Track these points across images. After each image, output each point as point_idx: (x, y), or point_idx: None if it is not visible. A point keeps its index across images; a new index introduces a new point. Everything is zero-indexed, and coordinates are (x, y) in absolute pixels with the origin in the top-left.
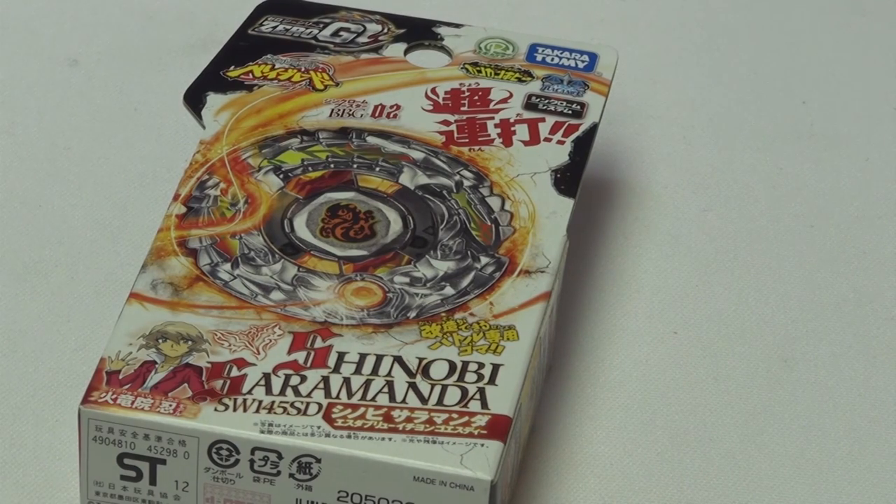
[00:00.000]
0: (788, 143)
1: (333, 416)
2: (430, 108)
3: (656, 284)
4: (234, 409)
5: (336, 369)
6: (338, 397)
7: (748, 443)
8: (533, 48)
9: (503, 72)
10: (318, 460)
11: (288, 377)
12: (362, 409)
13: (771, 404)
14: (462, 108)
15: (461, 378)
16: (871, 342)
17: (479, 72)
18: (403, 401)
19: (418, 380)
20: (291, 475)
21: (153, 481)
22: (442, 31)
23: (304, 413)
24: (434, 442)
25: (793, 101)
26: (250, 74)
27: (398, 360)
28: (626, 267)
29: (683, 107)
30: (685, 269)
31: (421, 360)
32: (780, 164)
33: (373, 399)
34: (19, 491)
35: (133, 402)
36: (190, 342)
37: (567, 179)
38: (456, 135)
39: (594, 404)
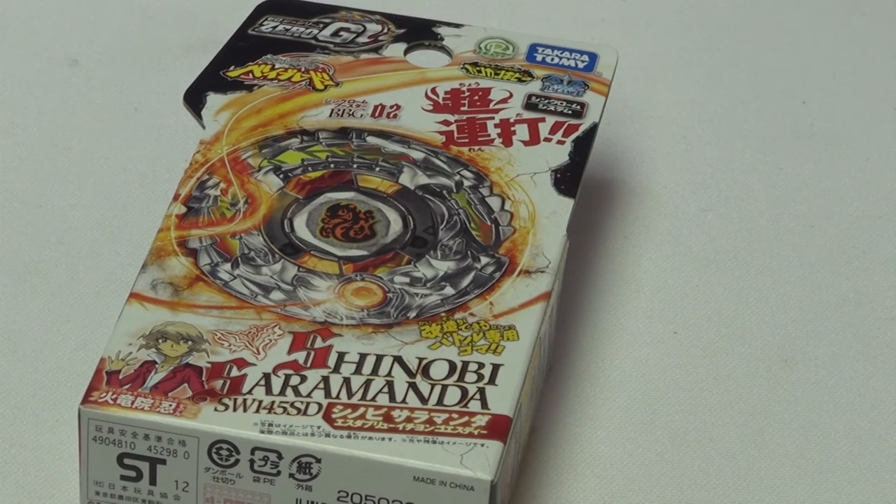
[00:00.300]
0: (788, 143)
1: (333, 416)
2: (430, 108)
3: (656, 284)
4: (234, 409)
5: (336, 369)
6: (338, 397)
7: (748, 443)
8: (533, 48)
9: (503, 72)
10: (318, 460)
11: (288, 377)
12: (362, 409)
13: (771, 404)
14: (462, 108)
15: (461, 378)
16: (871, 342)
17: (479, 72)
18: (403, 401)
19: (418, 380)
20: (291, 475)
21: (153, 481)
22: (442, 31)
23: (304, 413)
24: (434, 442)
25: (793, 101)
26: (250, 74)
27: (398, 360)
28: (626, 267)
29: (683, 107)
30: (685, 269)
31: (421, 360)
32: (780, 164)
33: (373, 399)
34: (19, 491)
35: (133, 402)
36: (190, 342)
37: (567, 179)
38: (456, 135)
39: (594, 404)
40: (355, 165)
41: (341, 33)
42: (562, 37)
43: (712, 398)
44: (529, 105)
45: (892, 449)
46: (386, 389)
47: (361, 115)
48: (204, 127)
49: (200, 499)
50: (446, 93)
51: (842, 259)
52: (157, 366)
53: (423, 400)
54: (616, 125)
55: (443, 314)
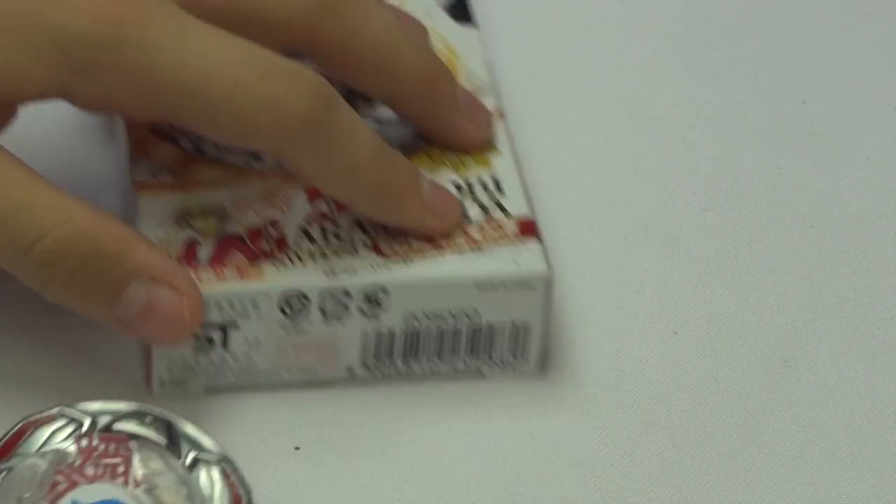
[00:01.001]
0: (788, 143)
1: (382, 249)
2: None
3: (656, 284)
4: (293, 263)
5: None
6: (377, 234)
7: (748, 443)
8: None
9: None
10: (385, 290)
11: (323, 226)
12: (403, 238)
13: (771, 404)
14: None
15: (473, 194)
16: (871, 342)
17: None
18: None
19: None
20: (361, 310)
21: (225, 345)
22: None
23: (357, 253)
24: (482, 252)
25: (793, 101)
26: None
27: None
28: (626, 267)
29: (683, 107)
30: (685, 269)
31: None
32: (780, 164)
33: None
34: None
35: (197, 276)
36: (217, 215)
37: (458, 7)
38: None
39: (594, 404)
40: None
41: None
42: (561, 35)
43: (712, 398)
44: None
45: (892, 449)
46: None
47: None
48: None
49: (272, 351)
50: None
51: (842, 259)
52: (199, 242)
53: None
54: (616, 125)
55: (422, 144)
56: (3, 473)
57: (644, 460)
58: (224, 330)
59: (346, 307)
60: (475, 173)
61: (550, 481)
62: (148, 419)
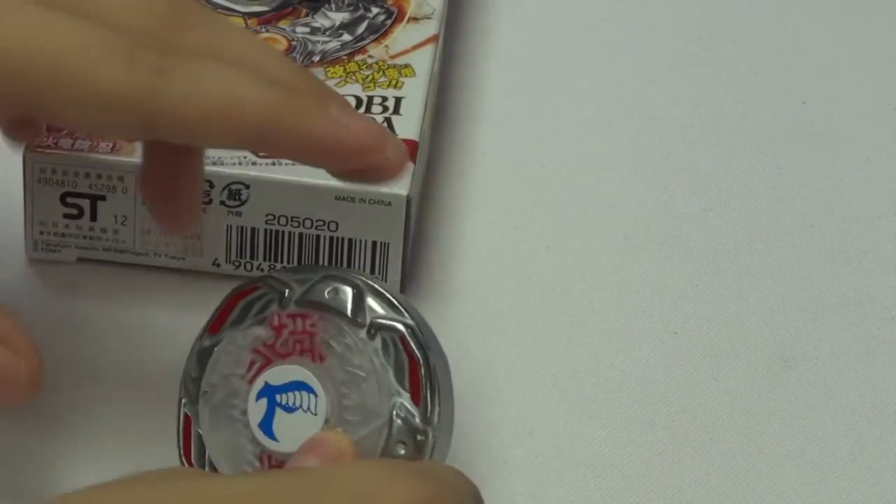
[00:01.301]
0: (788, 143)
1: None
2: None
3: (656, 284)
4: None
5: None
6: None
7: (748, 443)
8: None
9: None
10: (247, 186)
11: None
12: None
13: (771, 404)
14: None
15: (368, 110)
16: (871, 342)
17: None
18: None
19: None
20: (222, 202)
21: (94, 217)
22: None
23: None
24: None
25: (793, 101)
26: None
27: None
28: (626, 267)
29: (683, 107)
30: (685, 269)
31: None
32: (780, 164)
33: None
34: None
35: (73, 145)
36: None
37: None
38: None
39: (594, 404)
40: None
41: None
42: (562, 32)
43: (712, 398)
44: None
45: (892, 449)
46: None
47: None
48: None
49: (138, 231)
50: None
51: (842, 259)
52: None
53: None
54: (615, 125)
55: (344, 57)
56: (215, 348)
57: (644, 460)
58: (93, 200)
59: (208, 196)
60: (381, 92)
61: (550, 481)
62: (335, 286)
